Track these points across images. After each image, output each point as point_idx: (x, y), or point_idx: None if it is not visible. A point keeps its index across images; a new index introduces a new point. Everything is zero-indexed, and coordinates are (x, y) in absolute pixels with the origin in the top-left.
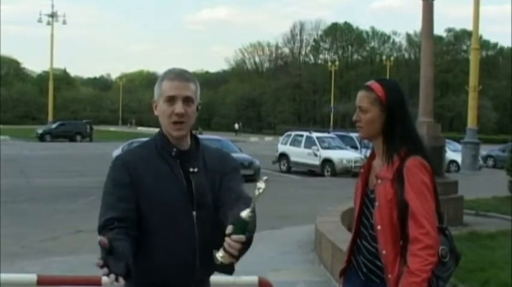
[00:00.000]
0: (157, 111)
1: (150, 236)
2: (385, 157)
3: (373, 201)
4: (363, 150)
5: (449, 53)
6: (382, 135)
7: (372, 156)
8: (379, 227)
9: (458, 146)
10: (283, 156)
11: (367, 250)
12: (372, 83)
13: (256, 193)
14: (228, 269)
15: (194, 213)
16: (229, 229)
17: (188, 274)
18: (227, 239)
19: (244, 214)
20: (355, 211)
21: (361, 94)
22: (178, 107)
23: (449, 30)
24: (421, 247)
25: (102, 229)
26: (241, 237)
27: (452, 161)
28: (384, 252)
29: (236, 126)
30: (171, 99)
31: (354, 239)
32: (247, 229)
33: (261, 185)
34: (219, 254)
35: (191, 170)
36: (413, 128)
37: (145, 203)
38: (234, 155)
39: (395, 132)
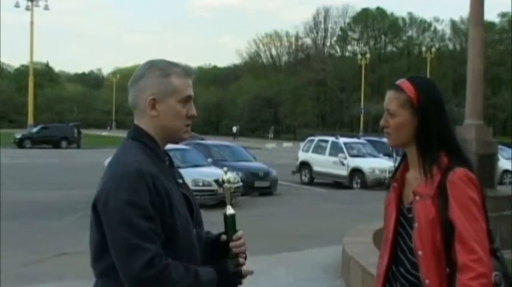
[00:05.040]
0: (157, 111)
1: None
2: (423, 170)
3: (411, 221)
4: (395, 156)
5: (503, 43)
6: (416, 143)
7: (405, 166)
8: (420, 252)
9: None
10: (305, 165)
11: (406, 279)
12: (402, 82)
13: (228, 185)
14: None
15: (195, 231)
16: (223, 236)
17: None
18: (232, 244)
19: (229, 210)
20: (387, 231)
21: (389, 95)
22: (193, 109)
23: (502, 15)
24: (473, 276)
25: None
26: (239, 233)
27: (506, 171)
28: (427, 281)
29: (234, 129)
30: (187, 100)
31: (388, 265)
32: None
33: (228, 177)
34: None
35: (180, 181)
36: (453, 134)
37: (176, 225)
38: (248, 164)
39: (431, 140)
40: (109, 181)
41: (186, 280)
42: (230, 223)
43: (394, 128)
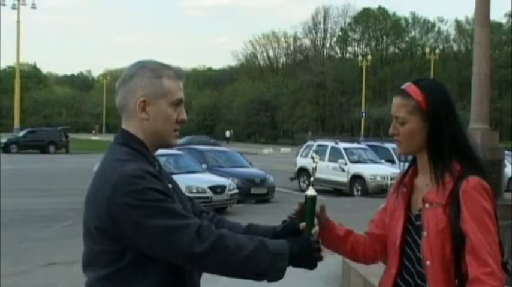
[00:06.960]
0: (147, 113)
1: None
2: (434, 177)
3: (420, 229)
4: (402, 164)
5: (510, 44)
6: (427, 150)
7: (414, 171)
8: (428, 262)
9: None
10: (303, 171)
11: None
12: (408, 86)
13: (314, 165)
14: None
15: None
16: (302, 224)
17: None
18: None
19: (311, 191)
20: (393, 238)
21: (396, 101)
22: (184, 114)
23: (510, 15)
24: None
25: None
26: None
27: None
28: None
29: (227, 134)
30: (178, 103)
31: (395, 275)
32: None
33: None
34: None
35: (170, 186)
36: (466, 139)
37: None
38: (244, 169)
39: (443, 146)
40: (106, 189)
41: (251, 245)
42: (311, 203)
43: (405, 136)
